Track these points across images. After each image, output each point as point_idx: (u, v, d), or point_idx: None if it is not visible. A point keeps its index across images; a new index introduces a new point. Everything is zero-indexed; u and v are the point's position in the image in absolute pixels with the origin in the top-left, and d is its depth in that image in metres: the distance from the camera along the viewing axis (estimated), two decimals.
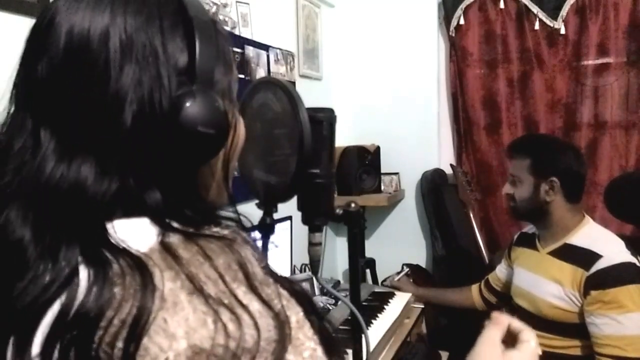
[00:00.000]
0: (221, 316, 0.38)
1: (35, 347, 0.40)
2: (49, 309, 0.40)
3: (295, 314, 0.43)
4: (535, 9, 2.44)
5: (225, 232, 0.45)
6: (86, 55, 0.44)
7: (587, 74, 2.43)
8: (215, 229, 0.44)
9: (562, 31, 2.42)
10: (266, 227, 0.71)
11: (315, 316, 0.45)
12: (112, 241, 0.42)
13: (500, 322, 0.66)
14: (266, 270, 0.44)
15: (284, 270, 1.91)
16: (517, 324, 0.67)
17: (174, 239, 0.42)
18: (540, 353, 0.65)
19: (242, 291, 0.40)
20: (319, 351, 0.43)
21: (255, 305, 0.40)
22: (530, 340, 0.64)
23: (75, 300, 0.39)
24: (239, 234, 0.45)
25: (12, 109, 0.47)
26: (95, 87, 0.43)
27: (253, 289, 0.41)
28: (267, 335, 0.40)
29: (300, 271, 2.04)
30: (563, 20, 2.42)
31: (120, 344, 0.37)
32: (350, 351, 0.83)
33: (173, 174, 0.45)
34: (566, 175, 1.55)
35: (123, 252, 0.41)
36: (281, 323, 0.41)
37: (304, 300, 0.45)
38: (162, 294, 0.38)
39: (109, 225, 0.43)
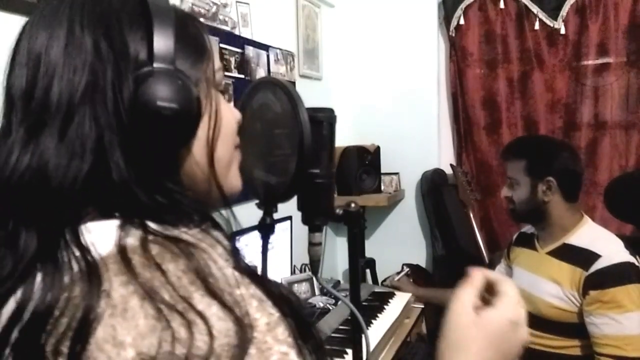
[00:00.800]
0: (172, 322, 0.37)
1: None
2: (5, 304, 0.40)
3: (267, 316, 0.41)
4: (535, 9, 2.44)
5: (194, 231, 0.44)
6: (46, 64, 0.45)
7: (587, 74, 2.43)
8: (184, 229, 0.43)
9: (562, 31, 2.42)
10: (266, 227, 0.71)
11: (294, 317, 0.43)
12: (79, 241, 0.41)
13: (474, 279, 0.57)
14: (240, 270, 0.43)
15: (284, 270, 1.91)
16: (494, 276, 0.58)
17: (134, 241, 0.41)
18: (524, 306, 0.57)
19: (199, 295, 0.39)
20: (292, 355, 0.41)
21: (213, 310, 0.39)
22: (509, 291, 0.56)
23: (30, 299, 0.39)
24: (208, 234, 0.44)
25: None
26: (52, 91, 0.44)
27: (212, 293, 0.39)
28: (225, 341, 0.38)
29: (300, 271, 2.04)
30: (563, 20, 2.42)
31: (65, 349, 0.37)
32: (350, 351, 0.83)
33: (144, 157, 0.45)
34: (562, 174, 1.55)
35: (81, 255, 0.40)
36: (243, 327, 0.39)
37: (282, 301, 0.43)
38: (112, 300, 0.37)
39: (84, 226, 0.43)
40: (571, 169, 1.57)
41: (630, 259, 1.42)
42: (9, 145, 0.44)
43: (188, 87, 0.46)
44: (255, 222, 0.70)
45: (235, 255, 0.44)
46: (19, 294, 0.40)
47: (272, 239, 0.73)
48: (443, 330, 0.55)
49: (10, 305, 0.40)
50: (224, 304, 0.39)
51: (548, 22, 2.44)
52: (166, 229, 0.43)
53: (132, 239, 0.41)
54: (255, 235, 0.71)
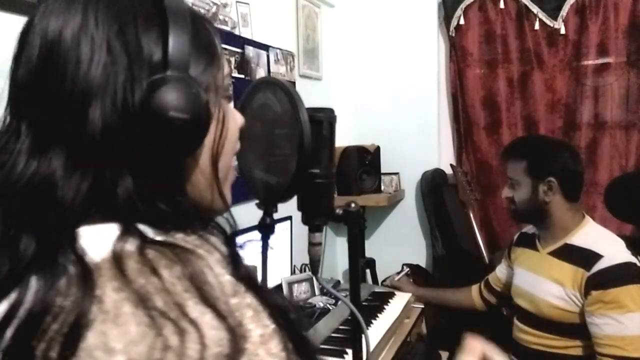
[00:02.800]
0: (164, 330, 0.37)
1: None
2: None
3: (262, 328, 0.40)
4: (535, 9, 2.44)
5: (191, 238, 0.43)
6: (58, 55, 0.44)
7: (587, 74, 2.43)
8: (181, 235, 0.43)
9: (562, 31, 2.42)
10: (266, 227, 0.71)
11: (290, 331, 0.43)
12: (76, 246, 0.41)
13: (474, 349, 0.69)
14: (238, 278, 0.42)
15: (284, 270, 1.91)
16: (490, 351, 0.70)
17: (131, 247, 0.41)
18: None
19: (192, 302, 0.38)
20: None
21: (206, 318, 0.38)
22: None
23: (24, 302, 0.39)
24: (206, 240, 0.44)
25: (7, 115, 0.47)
26: (65, 84, 0.43)
27: (206, 301, 0.39)
28: (217, 351, 0.37)
29: (300, 271, 2.03)
30: (563, 20, 2.42)
31: (54, 354, 0.36)
32: (350, 351, 0.83)
33: (150, 167, 0.44)
34: (563, 174, 1.55)
35: (77, 260, 0.40)
36: (235, 337, 0.38)
37: (279, 312, 0.43)
38: (104, 306, 0.37)
39: (79, 230, 0.42)
40: (572, 169, 1.57)
41: (632, 259, 1.42)
42: (17, 150, 0.44)
43: (200, 96, 0.46)
44: (255, 222, 0.70)
45: (233, 262, 0.43)
46: (13, 295, 0.40)
47: (272, 239, 0.73)
48: None
49: (3, 307, 0.40)
50: (217, 313, 0.39)
51: (548, 22, 2.44)
52: (164, 234, 0.43)
53: (129, 245, 0.41)
54: (256, 235, 0.71)
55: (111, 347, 0.36)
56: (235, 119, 0.55)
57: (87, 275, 0.38)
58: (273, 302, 0.43)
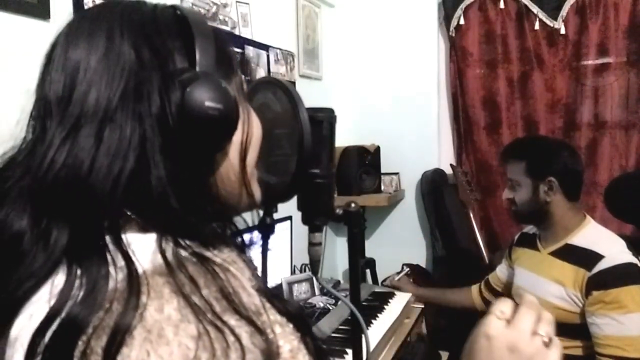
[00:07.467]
0: (204, 353, 0.37)
1: (20, 347, 0.40)
2: (32, 295, 0.41)
3: (290, 342, 0.42)
4: (535, 9, 2.44)
5: (224, 254, 0.44)
6: (85, 73, 0.45)
7: (587, 74, 2.43)
8: (215, 250, 0.44)
9: (562, 31, 2.42)
10: (266, 227, 0.71)
11: (310, 337, 0.45)
12: (126, 251, 0.41)
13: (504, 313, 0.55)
14: (263, 294, 0.43)
15: (284, 270, 1.91)
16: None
17: (172, 260, 0.41)
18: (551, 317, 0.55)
19: (231, 325, 0.39)
20: None
21: (244, 341, 0.39)
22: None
23: (66, 303, 0.39)
24: (239, 256, 0.45)
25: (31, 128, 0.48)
26: (89, 99, 0.45)
27: (243, 322, 0.40)
28: None
29: (300, 271, 2.03)
30: (563, 20, 2.42)
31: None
32: (350, 351, 0.83)
33: (186, 161, 0.45)
34: (563, 173, 1.55)
35: (126, 265, 0.40)
36: (270, 355, 0.40)
37: (300, 323, 0.45)
38: (147, 324, 0.37)
39: (123, 236, 0.42)
40: (572, 168, 1.57)
41: (633, 259, 1.42)
42: (45, 146, 0.45)
43: (228, 90, 0.48)
44: (255, 222, 0.70)
45: (259, 279, 0.45)
46: (52, 299, 0.40)
47: (272, 239, 0.73)
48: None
49: (37, 303, 0.40)
50: (253, 334, 0.40)
51: (548, 22, 2.44)
52: (199, 248, 0.43)
53: (170, 258, 0.41)
54: (255, 235, 0.71)
55: None
56: (258, 121, 0.57)
57: (133, 287, 0.39)
58: (292, 312, 0.45)
